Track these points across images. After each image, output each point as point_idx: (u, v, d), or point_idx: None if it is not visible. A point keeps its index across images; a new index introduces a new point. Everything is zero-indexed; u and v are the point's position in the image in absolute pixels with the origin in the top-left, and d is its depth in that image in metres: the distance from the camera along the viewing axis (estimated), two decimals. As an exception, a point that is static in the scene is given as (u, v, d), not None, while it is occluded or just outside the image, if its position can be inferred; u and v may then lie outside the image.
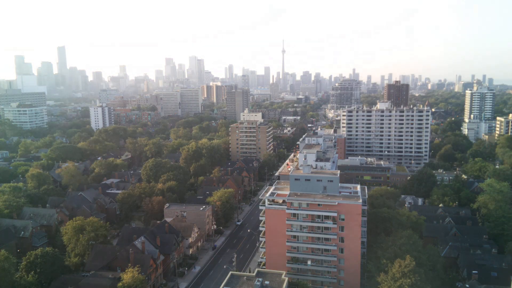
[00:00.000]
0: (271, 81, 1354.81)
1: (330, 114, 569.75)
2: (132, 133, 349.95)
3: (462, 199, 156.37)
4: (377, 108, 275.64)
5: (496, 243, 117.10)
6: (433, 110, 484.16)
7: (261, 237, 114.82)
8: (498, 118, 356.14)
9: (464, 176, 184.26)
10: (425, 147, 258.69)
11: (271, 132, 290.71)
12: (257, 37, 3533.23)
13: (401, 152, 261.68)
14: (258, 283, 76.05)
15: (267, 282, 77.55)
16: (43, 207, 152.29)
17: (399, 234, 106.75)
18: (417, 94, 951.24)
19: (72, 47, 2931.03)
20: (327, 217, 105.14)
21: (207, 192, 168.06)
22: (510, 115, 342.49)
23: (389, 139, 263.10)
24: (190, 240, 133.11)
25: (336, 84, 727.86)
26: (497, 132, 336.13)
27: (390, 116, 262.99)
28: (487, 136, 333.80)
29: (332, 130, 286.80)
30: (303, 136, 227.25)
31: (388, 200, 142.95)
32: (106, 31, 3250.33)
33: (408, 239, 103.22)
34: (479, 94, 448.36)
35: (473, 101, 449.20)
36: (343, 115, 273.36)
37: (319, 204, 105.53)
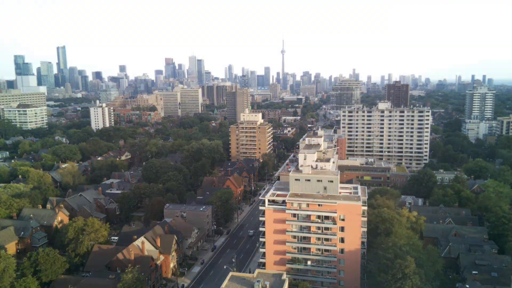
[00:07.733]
0: (271, 81, 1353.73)
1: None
2: (132, 133, 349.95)
3: (462, 200, 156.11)
4: (377, 108, 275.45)
5: (496, 244, 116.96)
6: (433, 110, 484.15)
7: (261, 237, 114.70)
8: (498, 118, 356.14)
9: (464, 176, 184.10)
10: (425, 148, 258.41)
11: (271, 132, 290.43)
12: (257, 37, 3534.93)
13: (401, 152, 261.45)
14: (258, 284, 75.90)
15: (267, 283, 77.36)
16: (43, 208, 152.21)
17: (399, 235, 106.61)
18: (417, 94, 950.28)
19: (72, 47, 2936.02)
20: (327, 218, 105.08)
21: (207, 193, 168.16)
22: (511, 115, 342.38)
23: (389, 140, 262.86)
24: (190, 240, 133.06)
25: (336, 84, 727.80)
26: (498, 132, 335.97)
27: (390, 116, 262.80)
28: (487, 137, 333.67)
29: (332, 130, 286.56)
30: (303, 136, 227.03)
31: (388, 200, 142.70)
32: (106, 31, 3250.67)
33: (408, 239, 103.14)
34: (479, 94, 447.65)
35: (473, 102, 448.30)
36: (343, 116, 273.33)
37: (319, 205, 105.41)
